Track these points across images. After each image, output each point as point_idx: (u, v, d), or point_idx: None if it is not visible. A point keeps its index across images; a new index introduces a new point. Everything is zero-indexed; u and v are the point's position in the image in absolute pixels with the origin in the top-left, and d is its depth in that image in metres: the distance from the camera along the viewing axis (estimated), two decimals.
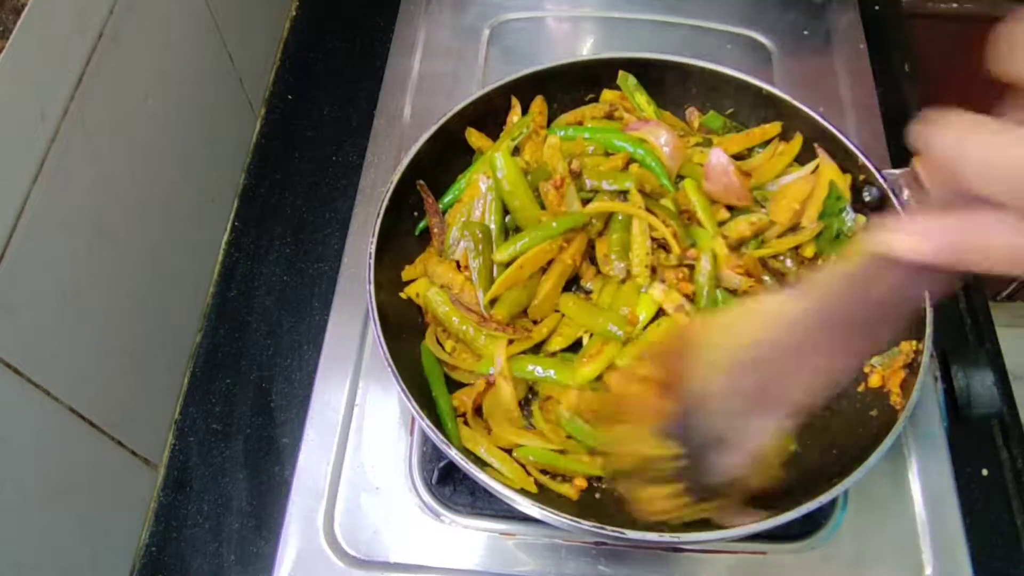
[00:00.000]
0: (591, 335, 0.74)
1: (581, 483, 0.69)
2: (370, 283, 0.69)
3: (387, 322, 0.69)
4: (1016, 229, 0.31)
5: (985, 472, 0.81)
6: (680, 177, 0.80)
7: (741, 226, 0.77)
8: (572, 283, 0.78)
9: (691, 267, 0.75)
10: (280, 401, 0.84)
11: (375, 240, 0.72)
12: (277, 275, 0.92)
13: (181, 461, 0.81)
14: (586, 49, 1.07)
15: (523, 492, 0.63)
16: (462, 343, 0.74)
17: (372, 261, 0.70)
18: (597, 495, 0.70)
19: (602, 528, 0.59)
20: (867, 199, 0.76)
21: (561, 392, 0.71)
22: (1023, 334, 1.72)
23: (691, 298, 0.74)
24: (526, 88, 0.84)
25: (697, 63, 0.84)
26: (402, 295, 0.76)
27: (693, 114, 0.88)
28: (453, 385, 0.73)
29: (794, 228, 0.79)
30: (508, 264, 0.73)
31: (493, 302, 0.73)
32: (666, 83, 0.87)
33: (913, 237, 0.34)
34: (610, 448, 0.58)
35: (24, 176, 0.58)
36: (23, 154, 0.58)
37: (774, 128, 0.84)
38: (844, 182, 0.77)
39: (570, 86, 0.87)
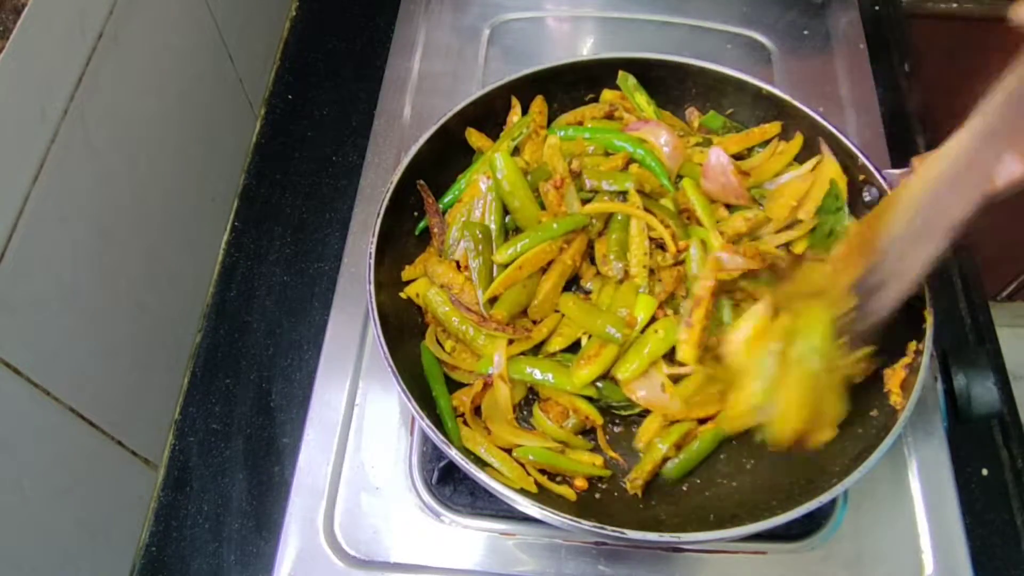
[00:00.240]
0: (589, 336, 0.74)
1: (581, 483, 0.69)
2: (370, 283, 0.69)
3: (387, 322, 0.69)
4: None
5: (985, 472, 0.81)
6: (680, 177, 0.80)
7: (737, 222, 0.77)
8: (572, 283, 0.78)
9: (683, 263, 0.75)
10: (280, 401, 0.84)
11: (375, 240, 0.72)
12: (277, 275, 0.92)
13: (181, 461, 0.81)
14: (586, 49, 1.07)
15: (523, 492, 0.63)
16: (462, 343, 0.74)
17: (372, 261, 0.70)
18: (597, 495, 0.70)
19: (602, 528, 0.59)
20: (867, 199, 0.76)
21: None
22: (1023, 334, 1.72)
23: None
24: (526, 88, 0.84)
25: (697, 63, 0.84)
26: (402, 295, 0.76)
27: (693, 114, 0.88)
28: (453, 385, 0.73)
29: (790, 226, 0.79)
30: (508, 265, 0.73)
31: (493, 301, 0.73)
32: (666, 83, 0.87)
33: None
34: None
35: (24, 176, 0.58)
36: (23, 154, 0.58)
37: (774, 128, 0.84)
38: (843, 182, 0.77)
39: (570, 86, 0.87)
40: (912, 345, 0.68)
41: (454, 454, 0.62)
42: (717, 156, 0.78)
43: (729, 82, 0.84)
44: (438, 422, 0.68)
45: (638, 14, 1.08)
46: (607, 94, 0.88)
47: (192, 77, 0.85)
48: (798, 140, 0.82)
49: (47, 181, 0.60)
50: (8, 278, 0.56)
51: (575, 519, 0.60)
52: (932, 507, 0.74)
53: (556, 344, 0.74)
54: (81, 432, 0.67)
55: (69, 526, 0.67)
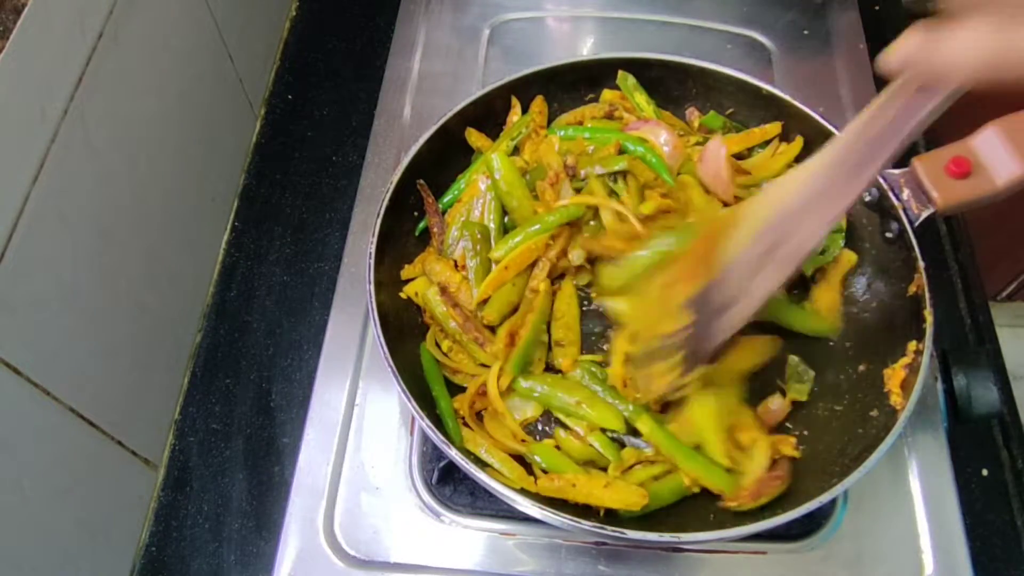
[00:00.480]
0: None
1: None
2: (370, 283, 0.69)
3: (387, 322, 0.69)
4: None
5: (985, 472, 0.81)
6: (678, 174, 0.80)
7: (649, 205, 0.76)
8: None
9: None
10: (280, 401, 0.84)
11: (375, 240, 0.72)
12: (277, 275, 0.92)
13: (181, 461, 0.81)
14: (586, 49, 1.07)
15: (523, 492, 0.63)
16: (458, 344, 0.74)
17: (372, 261, 0.71)
18: None
19: (602, 528, 0.59)
20: (867, 199, 0.76)
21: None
22: (1023, 334, 1.72)
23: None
24: (526, 88, 0.84)
25: (697, 63, 0.84)
26: (402, 294, 0.76)
27: (693, 114, 0.88)
28: (453, 387, 0.73)
29: None
30: None
31: (485, 304, 0.73)
32: (666, 83, 0.87)
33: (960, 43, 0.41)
34: (640, 323, 0.67)
35: (24, 176, 0.58)
36: (23, 154, 0.58)
37: (774, 128, 0.84)
38: None
39: (570, 86, 0.87)
40: (912, 345, 0.68)
41: (454, 454, 0.62)
42: (716, 144, 0.78)
43: (729, 82, 0.84)
44: (438, 422, 0.68)
45: (638, 14, 1.08)
46: (607, 94, 0.88)
47: (192, 77, 0.85)
48: (799, 142, 0.82)
49: (47, 181, 0.60)
50: (8, 278, 0.56)
51: (575, 519, 0.60)
52: (932, 507, 0.74)
53: (568, 357, 0.73)
54: (81, 432, 0.67)
55: (69, 526, 0.67)
